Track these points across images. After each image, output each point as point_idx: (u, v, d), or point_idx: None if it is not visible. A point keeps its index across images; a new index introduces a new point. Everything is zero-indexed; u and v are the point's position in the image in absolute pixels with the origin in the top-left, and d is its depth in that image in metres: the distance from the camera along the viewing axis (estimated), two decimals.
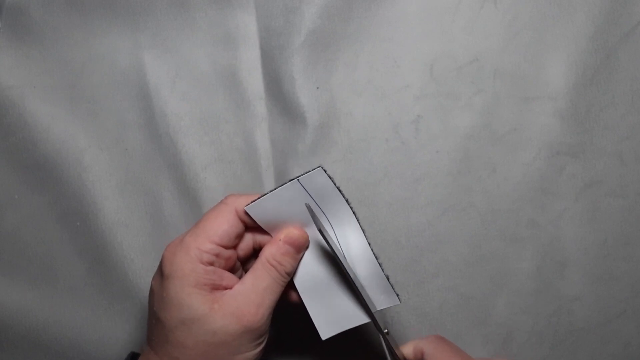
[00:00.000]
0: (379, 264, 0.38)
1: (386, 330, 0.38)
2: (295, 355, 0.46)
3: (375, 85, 0.47)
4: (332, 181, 0.37)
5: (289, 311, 0.41)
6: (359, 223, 0.39)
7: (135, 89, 0.47)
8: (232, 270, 0.38)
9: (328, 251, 0.38)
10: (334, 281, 0.39)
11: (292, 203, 0.37)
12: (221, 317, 0.35)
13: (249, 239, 0.39)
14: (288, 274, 0.37)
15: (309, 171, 0.36)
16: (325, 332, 0.39)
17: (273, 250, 0.37)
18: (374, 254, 0.38)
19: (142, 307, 0.46)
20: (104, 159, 0.47)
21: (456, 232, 0.46)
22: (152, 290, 0.37)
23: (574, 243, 0.46)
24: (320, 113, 0.47)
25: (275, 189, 0.37)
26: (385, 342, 0.38)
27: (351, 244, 0.39)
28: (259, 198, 0.37)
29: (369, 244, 0.39)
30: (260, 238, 0.39)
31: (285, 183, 0.37)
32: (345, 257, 0.38)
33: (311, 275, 0.39)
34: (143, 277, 0.46)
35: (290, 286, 0.39)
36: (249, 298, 0.36)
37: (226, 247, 0.37)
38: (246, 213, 0.37)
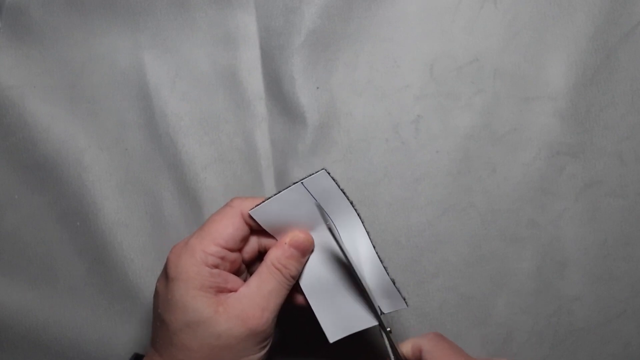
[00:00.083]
0: (384, 267, 0.38)
1: (389, 329, 0.38)
2: (300, 358, 0.46)
3: (375, 85, 0.47)
4: (337, 183, 0.37)
5: (293, 314, 0.41)
6: (364, 225, 0.38)
7: (135, 89, 0.47)
8: (237, 273, 0.38)
9: (334, 253, 0.38)
10: (340, 284, 0.39)
11: (297, 206, 0.37)
12: (226, 320, 0.34)
13: (254, 242, 0.39)
14: (293, 277, 0.37)
15: (313, 174, 0.36)
16: (333, 335, 0.38)
17: (278, 254, 0.37)
18: (379, 258, 0.38)
19: (142, 307, 0.46)
20: (104, 159, 0.47)
21: (456, 232, 0.46)
22: (156, 293, 0.37)
23: (574, 243, 0.46)
24: (320, 113, 0.47)
25: (279, 192, 0.36)
26: (388, 340, 0.38)
27: (356, 246, 0.39)
28: (263, 202, 0.37)
29: (374, 246, 0.38)
30: (265, 241, 0.39)
31: (289, 186, 0.36)
32: (351, 257, 0.38)
33: (317, 278, 0.39)
34: (143, 277, 0.46)
35: (295, 289, 0.39)
36: (254, 301, 0.35)
37: (231, 250, 0.36)
38: (251, 217, 0.37)
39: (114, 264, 0.46)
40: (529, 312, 0.46)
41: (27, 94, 0.46)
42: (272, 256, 0.37)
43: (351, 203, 0.38)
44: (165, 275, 0.36)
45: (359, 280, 0.36)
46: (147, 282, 0.46)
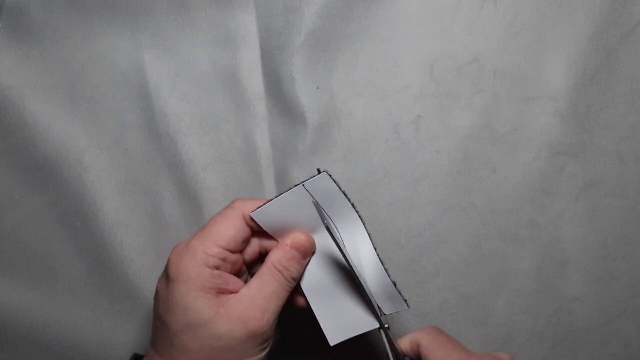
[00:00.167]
0: (385, 269, 0.38)
1: (387, 325, 0.38)
2: (300, 359, 0.46)
3: (375, 85, 0.47)
4: (338, 186, 0.37)
5: (294, 316, 0.41)
6: (365, 227, 0.38)
7: (135, 89, 0.47)
8: (238, 274, 0.38)
9: (335, 255, 0.38)
10: (341, 286, 0.38)
11: (298, 208, 0.37)
12: (226, 322, 0.34)
13: (255, 244, 0.39)
14: (294, 279, 0.37)
15: (314, 176, 0.36)
16: (334, 338, 0.38)
17: (279, 255, 0.37)
18: (380, 259, 0.38)
19: (142, 307, 0.46)
20: (104, 159, 0.47)
21: (456, 232, 0.46)
22: (157, 293, 0.37)
23: (574, 243, 0.46)
24: (320, 113, 0.47)
25: (280, 194, 0.36)
26: (386, 337, 0.38)
27: (357, 248, 0.38)
28: (264, 204, 0.37)
29: (375, 248, 0.38)
30: (266, 243, 0.39)
31: (291, 188, 0.36)
32: (351, 258, 0.38)
33: (318, 280, 0.38)
34: (143, 277, 0.46)
35: (296, 291, 0.39)
36: (255, 303, 0.35)
37: (232, 252, 0.36)
38: (252, 219, 0.37)
39: (114, 264, 0.46)
40: (529, 312, 0.46)
41: (27, 94, 0.46)
42: (273, 258, 0.37)
43: (352, 205, 0.38)
44: (166, 276, 0.36)
45: (360, 282, 0.36)
46: (147, 282, 0.46)
